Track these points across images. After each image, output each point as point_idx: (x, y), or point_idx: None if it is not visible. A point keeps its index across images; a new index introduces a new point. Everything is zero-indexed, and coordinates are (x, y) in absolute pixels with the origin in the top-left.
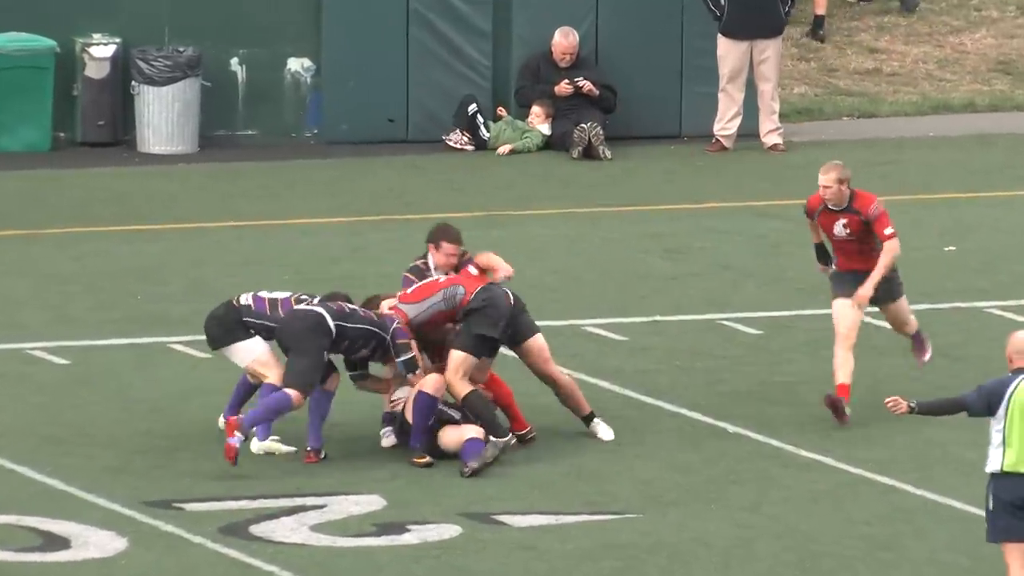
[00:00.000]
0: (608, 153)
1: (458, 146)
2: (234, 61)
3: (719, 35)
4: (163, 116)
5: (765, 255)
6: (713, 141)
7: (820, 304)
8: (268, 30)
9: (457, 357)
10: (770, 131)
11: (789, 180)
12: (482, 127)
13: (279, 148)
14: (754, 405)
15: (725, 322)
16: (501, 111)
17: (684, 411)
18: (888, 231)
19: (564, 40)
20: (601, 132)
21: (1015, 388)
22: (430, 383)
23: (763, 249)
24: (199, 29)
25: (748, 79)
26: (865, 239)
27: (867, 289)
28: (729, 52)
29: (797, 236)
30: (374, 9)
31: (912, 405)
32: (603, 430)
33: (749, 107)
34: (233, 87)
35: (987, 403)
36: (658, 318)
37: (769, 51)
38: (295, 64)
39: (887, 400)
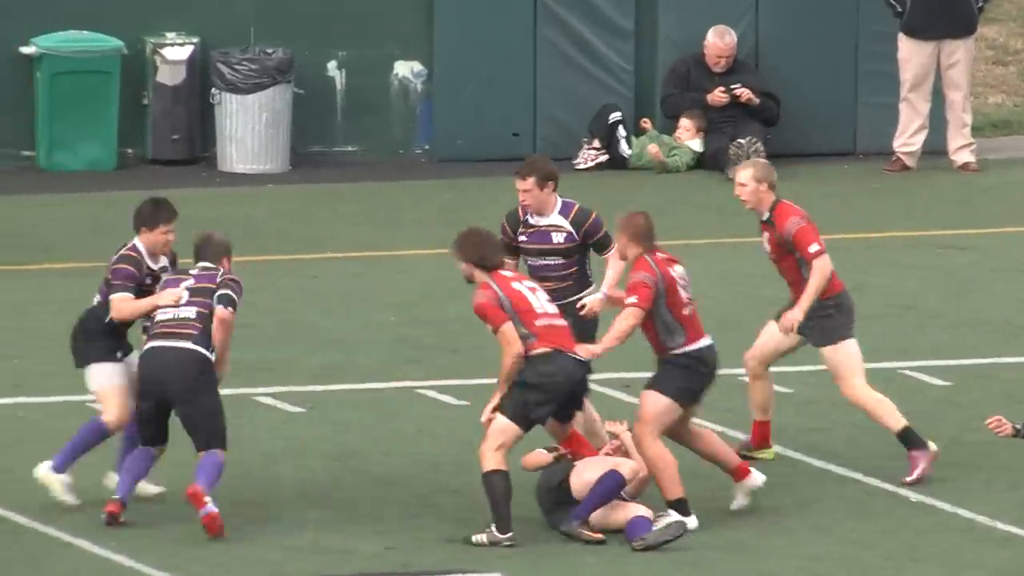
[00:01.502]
0: None
1: (587, 164)
2: (332, 65)
3: (900, 35)
4: (248, 129)
5: (954, 293)
6: (893, 159)
7: (1021, 351)
8: (371, 29)
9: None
10: (960, 147)
11: (982, 205)
12: (623, 141)
13: (384, 167)
14: (941, 469)
15: (907, 372)
16: (645, 124)
17: (857, 476)
18: (813, 248)
19: (719, 41)
20: (761, 148)
21: None
22: (627, 467)
23: (952, 287)
24: (290, 27)
25: (935, 87)
26: (784, 260)
27: (795, 313)
28: (912, 55)
29: (992, 271)
30: (496, 4)
31: (1018, 427)
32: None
33: (935, 119)
34: (330, 95)
35: None
36: (824, 368)
37: (959, 53)
38: (403, 69)
39: (989, 420)
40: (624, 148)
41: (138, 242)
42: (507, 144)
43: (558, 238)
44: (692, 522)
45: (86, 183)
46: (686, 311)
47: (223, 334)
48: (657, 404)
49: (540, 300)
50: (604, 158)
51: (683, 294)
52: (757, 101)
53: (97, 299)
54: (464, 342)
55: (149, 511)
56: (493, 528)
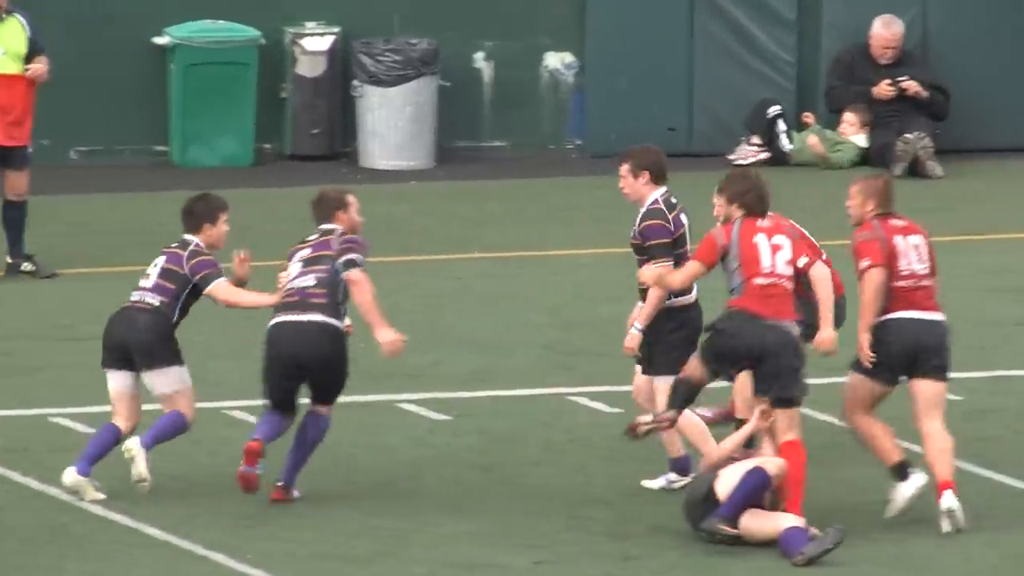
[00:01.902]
0: (940, 170)
1: (749, 160)
2: (479, 56)
3: None
4: (391, 123)
5: None
6: None
7: None
8: (521, 18)
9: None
10: None
11: None
12: (783, 136)
13: (534, 163)
14: None
15: None
16: (807, 118)
17: None
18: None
19: (886, 31)
20: (931, 144)
21: None
22: (773, 465)
23: None
24: (436, 17)
25: None
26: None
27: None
28: None
29: None
30: None
31: None
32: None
33: None
34: (478, 88)
35: None
36: (1003, 373)
37: None
38: (554, 60)
39: None
40: (785, 143)
41: (198, 239)
42: (662, 139)
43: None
44: (919, 480)
45: (222, 179)
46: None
47: (362, 296)
48: (850, 381)
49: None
50: (765, 155)
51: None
52: (925, 94)
53: (158, 300)
54: (617, 346)
55: (287, 523)
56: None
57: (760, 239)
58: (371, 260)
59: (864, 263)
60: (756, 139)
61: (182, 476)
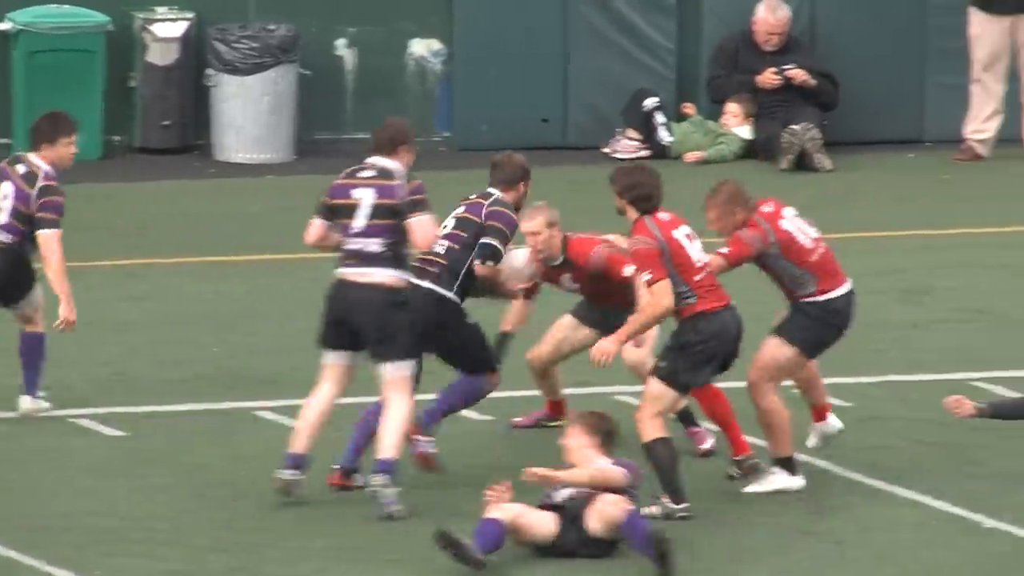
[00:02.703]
0: (828, 163)
1: (627, 155)
2: (341, 43)
3: (972, 8)
4: (248, 114)
5: None
6: (964, 147)
7: None
8: (385, 3)
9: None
10: None
11: None
12: (662, 129)
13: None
14: (1018, 493)
15: (980, 384)
16: (688, 109)
17: (927, 500)
18: (628, 270)
19: (771, 16)
20: (818, 136)
21: None
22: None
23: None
24: (295, 1)
25: (1011, 67)
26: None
27: (607, 345)
28: (986, 31)
29: None
30: None
31: (982, 407)
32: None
33: (1011, 103)
34: (339, 77)
35: None
36: (896, 378)
37: None
38: (420, 47)
39: (948, 400)
40: (664, 136)
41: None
42: (535, 131)
43: None
44: (798, 482)
45: (67, 174)
46: (813, 258)
47: (486, 282)
48: (780, 352)
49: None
50: (646, 152)
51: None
52: (813, 83)
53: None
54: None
55: (139, 537)
56: (666, 500)
57: (679, 234)
58: (226, 260)
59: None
60: (634, 132)
61: (30, 487)
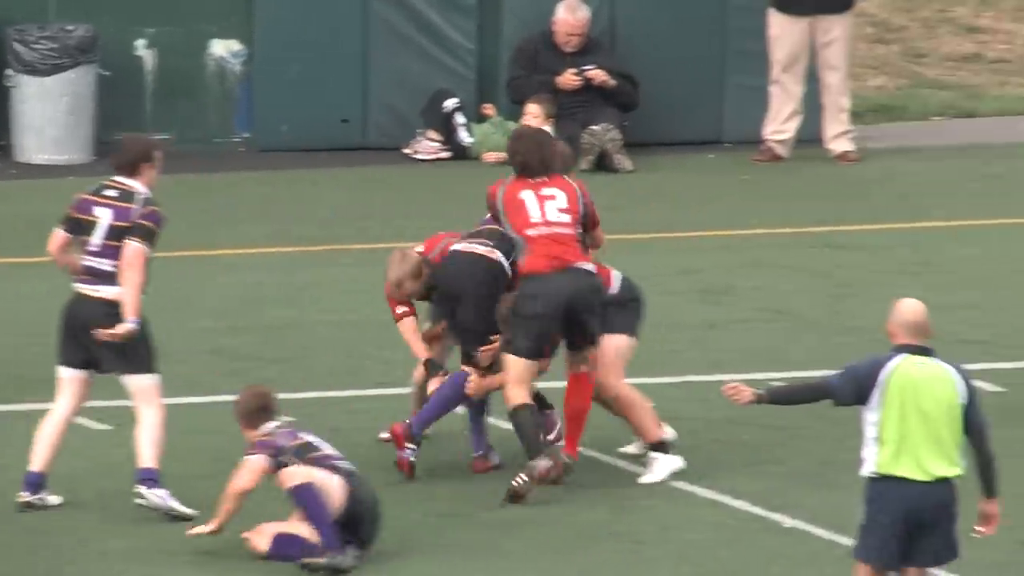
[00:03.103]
0: (629, 164)
1: (428, 156)
2: (140, 44)
3: (771, 10)
4: (47, 115)
5: (831, 297)
6: (763, 148)
7: None
8: (185, 3)
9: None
10: (838, 135)
11: (862, 199)
12: (462, 130)
13: (199, 157)
14: (816, 492)
15: (779, 383)
16: (487, 110)
17: (726, 499)
18: None
19: (570, 16)
20: (618, 137)
21: (892, 369)
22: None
23: (828, 289)
24: (94, 2)
25: (809, 68)
26: None
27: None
28: (784, 32)
29: (872, 272)
30: None
31: (760, 393)
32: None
33: (810, 104)
34: (139, 77)
35: (856, 388)
36: (694, 378)
37: (836, 30)
38: (220, 48)
39: (726, 387)
40: (464, 137)
41: None
42: (335, 131)
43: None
44: (678, 461)
45: None
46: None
47: None
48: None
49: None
50: (447, 154)
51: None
52: (613, 84)
53: None
54: (288, 351)
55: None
56: (534, 463)
57: (526, 195)
58: (25, 262)
59: None
60: (434, 133)
61: None
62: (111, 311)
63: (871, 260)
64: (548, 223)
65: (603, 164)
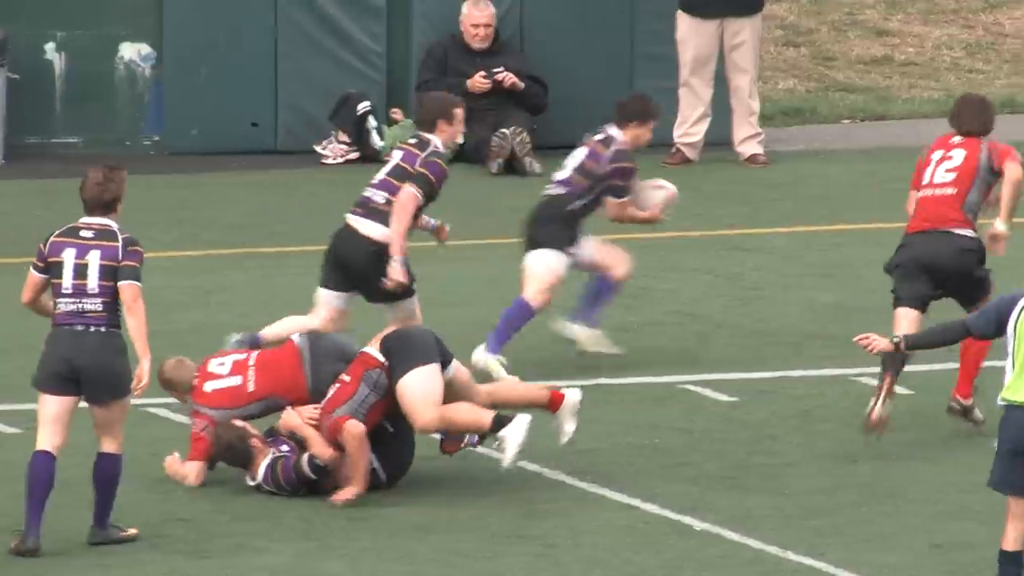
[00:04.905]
0: (538, 167)
1: (338, 159)
2: (50, 47)
3: (679, 12)
4: None
5: (741, 300)
6: (673, 151)
7: (811, 363)
8: (94, 7)
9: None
10: (747, 138)
11: (772, 202)
12: (373, 133)
13: (109, 160)
14: (728, 495)
15: (690, 387)
16: (396, 113)
17: (637, 503)
18: None
19: (475, 10)
20: (528, 139)
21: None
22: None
23: (738, 293)
24: (3, 5)
25: (718, 71)
26: None
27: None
28: (692, 34)
29: (782, 275)
30: None
31: (896, 341)
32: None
33: (719, 107)
34: (49, 81)
35: (995, 321)
36: (604, 381)
37: (745, 33)
38: (130, 51)
39: (858, 338)
40: (376, 140)
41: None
42: (246, 135)
43: None
44: (522, 420)
45: None
46: None
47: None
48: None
49: None
50: (356, 155)
51: None
52: (522, 86)
53: (562, 190)
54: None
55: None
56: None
57: None
58: None
59: None
60: (344, 136)
61: None
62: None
63: (782, 263)
64: None
65: (512, 167)
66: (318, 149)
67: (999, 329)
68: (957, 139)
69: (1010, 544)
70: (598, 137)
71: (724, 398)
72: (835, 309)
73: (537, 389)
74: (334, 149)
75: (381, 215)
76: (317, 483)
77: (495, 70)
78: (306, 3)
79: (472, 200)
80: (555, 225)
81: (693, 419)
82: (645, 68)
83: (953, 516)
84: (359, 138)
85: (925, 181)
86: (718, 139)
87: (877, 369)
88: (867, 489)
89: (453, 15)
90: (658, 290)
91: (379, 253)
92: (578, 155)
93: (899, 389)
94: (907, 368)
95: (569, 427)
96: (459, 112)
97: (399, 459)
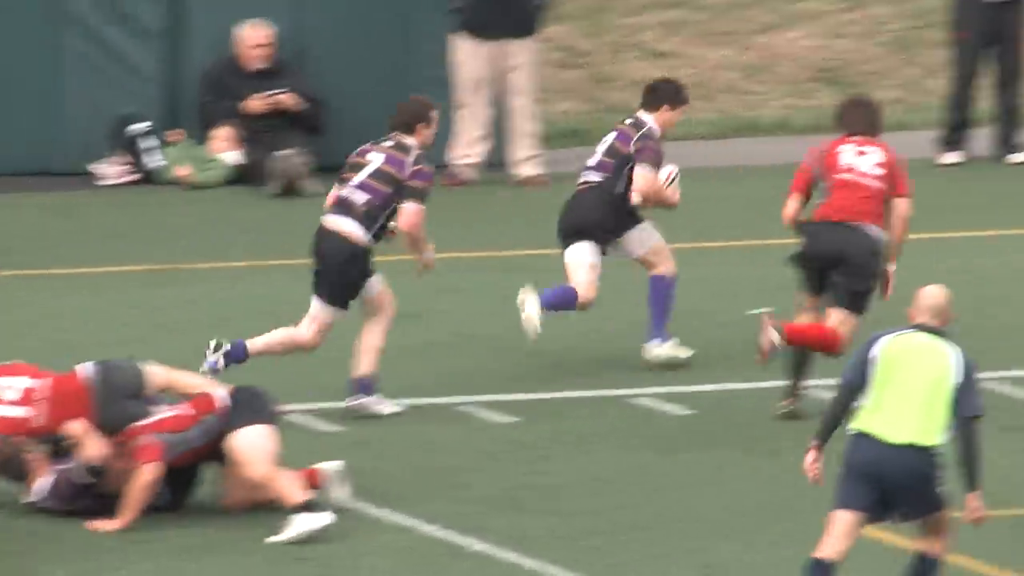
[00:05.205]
0: (316, 188)
1: (115, 180)
2: None
3: (457, 34)
4: None
5: (520, 321)
6: (450, 172)
7: (590, 384)
8: None
9: None
10: (525, 159)
11: (550, 223)
12: (151, 154)
13: None
14: (506, 515)
15: (471, 408)
16: (174, 135)
17: (416, 524)
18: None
19: (253, 31)
20: (306, 161)
21: (887, 342)
22: None
23: (518, 314)
24: None
25: (496, 92)
26: None
27: None
28: (469, 56)
29: None
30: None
31: (817, 448)
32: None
33: (498, 129)
34: None
35: (860, 367)
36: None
37: (522, 55)
38: None
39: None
40: (152, 161)
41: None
42: (22, 156)
43: None
44: (324, 518)
45: None
46: None
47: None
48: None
49: None
50: (134, 177)
51: None
52: (300, 108)
53: (599, 177)
54: None
55: None
56: None
57: None
58: None
59: None
60: (121, 157)
61: None
62: None
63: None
64: None
65: (291, 189)
66: (95, 170)
67: (864, 375)
68: (858, 138)
69: (828, 554)
70: (628, 121)
71: (504, 418)
72: (613, 332)
73: (290, 485)
74: (112, 171)
75: (361, 215)
76: (95, 487)
77: (273, 92)
78: (83, 24)
79: (250, 221)
80: (601, 212)
81: (472, 440)
82: (424, 89)
83: (724, 538)
84: (136, 159)
85: (844, 165)
86: (497, 160)
87: (656, 389)
88: (641, 510)
89: (231, 36)
90: (436, 311)
91: (356, 254)
92: (608, 139)
93: (680, 409)
94: (688, 388)
95: (342, 494)
96: (435, 115)
97: (189, 483)
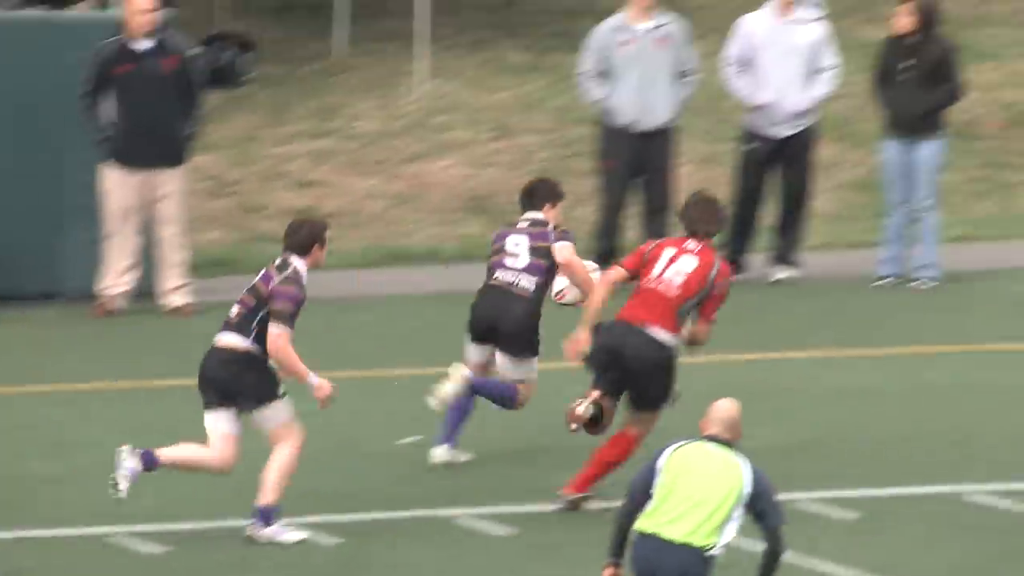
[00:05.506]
0: None
1: None
2: None
3: (106, 163)
4: None
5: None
6: (100, 302)
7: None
8: None
9: None
10: (174, 288)
11: (198, 352)
12: None
13: None
14: None
15: (120, 538)
16: None
17: None
18: None
19: None
20: None
21: (672, 450)
22: None
23: (160, 441)
24: None
25: (146, 221)
26: None
27: None
28: (118, 185)
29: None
30: None
31: (611, 560)
32: None
33: (147, 258)
34: None
35: (645, 480)
36: (36, 532)
37: (171, 184)
38: None
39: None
40: None
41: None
42: None
43: None
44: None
45: None
46: None
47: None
48: None
49: None
50: None
51: None
52: None
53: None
54: None
55: None
56: None
57: None
58: None
59: None
60: None
61: None
62: None
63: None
64: None
65: None
66: None
67: (650, 487)
68: (692, 244)
69: None
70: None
71: (154, 549)
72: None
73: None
74: None
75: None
76: None
77: None
78: None
79: None
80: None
81: (117, 566)
82: (74, 219)
83: None
84: None
85: (654, 274)
86: (147, 290)
87: (378, 514)
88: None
89: None
90: (78, 442)
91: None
92: (522, 241)
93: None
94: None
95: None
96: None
97: None
